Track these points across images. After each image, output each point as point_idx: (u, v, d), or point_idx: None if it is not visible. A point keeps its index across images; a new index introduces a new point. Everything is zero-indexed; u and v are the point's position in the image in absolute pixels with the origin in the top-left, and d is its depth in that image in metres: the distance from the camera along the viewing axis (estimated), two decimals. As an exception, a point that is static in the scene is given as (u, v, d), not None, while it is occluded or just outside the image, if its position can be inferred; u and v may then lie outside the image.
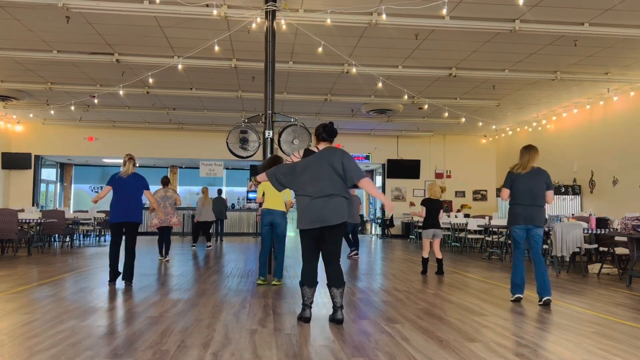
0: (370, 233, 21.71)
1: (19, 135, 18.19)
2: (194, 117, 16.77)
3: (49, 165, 20.61)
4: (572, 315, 5.04)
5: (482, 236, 12.42)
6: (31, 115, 16.70)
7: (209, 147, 18.41)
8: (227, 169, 21.00)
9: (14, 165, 17.97)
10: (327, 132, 4.75)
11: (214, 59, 10.64)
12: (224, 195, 18.39)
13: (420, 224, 8.61)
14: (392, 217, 19.48)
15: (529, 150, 5.84)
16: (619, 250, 8.18)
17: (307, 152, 4.80)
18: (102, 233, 16.42)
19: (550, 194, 5.76)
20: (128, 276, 6.75)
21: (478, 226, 11.96)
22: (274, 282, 6.86)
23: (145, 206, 15.08)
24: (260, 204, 6.99)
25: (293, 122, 8.49)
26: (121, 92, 12.08)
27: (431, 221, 8.28)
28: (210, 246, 13.09)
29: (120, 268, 6.84)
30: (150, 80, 11.35)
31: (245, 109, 15.37)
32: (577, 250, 8.30)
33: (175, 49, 10.27)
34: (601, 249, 8.66)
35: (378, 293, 6.33)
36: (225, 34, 9.12)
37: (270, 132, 8.10)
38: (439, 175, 20.02)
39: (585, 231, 8.35)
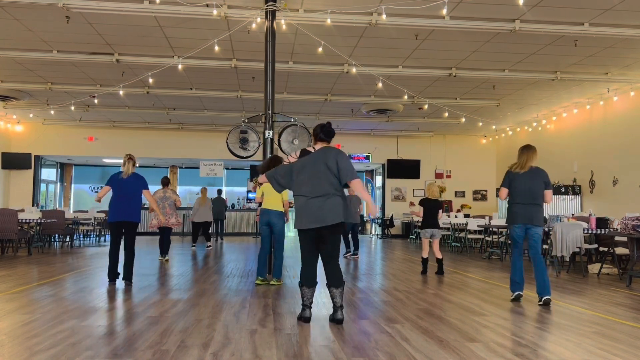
0: (370, 233, 21.71)
1: (19, 135, 18.20)
2: (194, 117, 16.77)
3: (49, 165, 20.61)
4: (572, 315, 5.04)
5: (482, 236, 12.42)
6: (31, 115, 16.71)
7: (209, 147, 18.41)
8: (227, 169, 21.01)
9: (14, 165, 17.97)
10: (324, 133, 4.75)
11: (214, 59, 10.64)
12: (224, 196, 18.39)
13: (420, 224, 8.61)
14: (392, 217, 19.49)
15: (527, 150, 5.86)
16: (619, 250, 8.18)
17: (304, 152, 4.81)
18: (102, 233, 16.42)
19: (548, 193, 5.77)
20: (128, 275, 6.76)
21: (478, 226, 11.96)
22: (272, 282, 6.87)
23: (145, 206, 15.11)
24: (260, 204, 7.01)
25: (293, 122, 8.49)
26: (121, 92, 12.08)
27: (429, 221, 8.28)
28: (210, 246, 13.08)
29: (120, 268, 6.86)
30: (150, 80, 11.35)
31: (245, 109, 15.37)
32: (577, 250, 8.30)
33: (175, 49, 10.28)
34: (601, 249, 8.66)
35: (378, 293, 6.33)
36: (225, 34, 9.12)
37: (270, 132, 8.10)
38: (439, 175, 20.02)
39: (585, 231, 8.35)
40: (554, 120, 15.75)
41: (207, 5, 8.07)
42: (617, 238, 8.26)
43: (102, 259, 9.96)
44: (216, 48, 9.16)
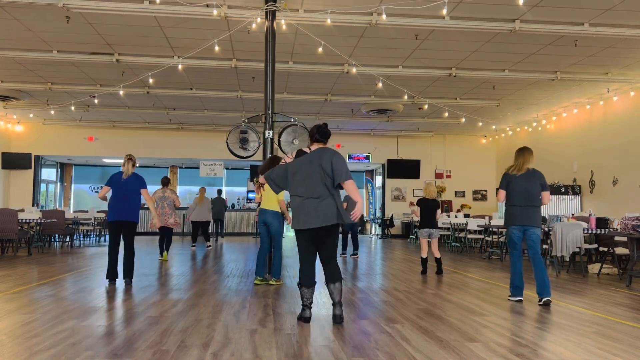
0: (370, 233, 21.71)
1: (19, 135, 18.20)
2: (194, 117, 16.77)
3: (49, 165, 20.61)
4: (572, 315, 5.04)
5: (482, 236, 12.42)
6: (31, 115, 16.71)
7: (209, 147, 18.42)
8: (227, 169, 21.01)
9: (14, 165, 17.97)
10: (320, 133, 4.76)
11: (214, 59, 10.64)
12: (223, 196, 18.40)
13: (418, 224, 8.61)
14: (392, 217, 19.49)
15: (523, 152, 5.91)
16: (619, 250, 8.18)
17: (300, 153, 4.81)
18: (102, 233, 16.42)
19: (546, 194, 5.81)
20: (128, 273, 6.79)
21: (478, 226, 11.96)
22: (271, 282, 6.88)
23: (145, 206, 15.11)
24: (259, 204, 7.04)
25: (293, 122, 8.49)
26: (121, 92, 12.08)
27: (427, 221, 8.28)
28: (209, 246, 13.09)
29: (120, 268, 6.87)
30: (150, 80, 11.35)
31: (245, 109, 15.37)
32: (577, 250, 8.30)
33: (175, 49, 10.28)
34: (601, 249, 8.66)
35: (378, 293, 6.33)
36: (225, 34, 9.12)
37: (270, 132, 8.10)
38: (439, 175, 20.02)
39: (585, 231, 8.35)
40: (554, 120, 15.75)
41: (207, 5, 8.07)
42: (617, 238, 8.26)
43: (102, 259, 9.97)
44: (216, 48, 9.16)
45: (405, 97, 12.90)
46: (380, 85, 11.35)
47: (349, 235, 11.53)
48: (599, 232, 8.23)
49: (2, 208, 13.13)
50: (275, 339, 3.99)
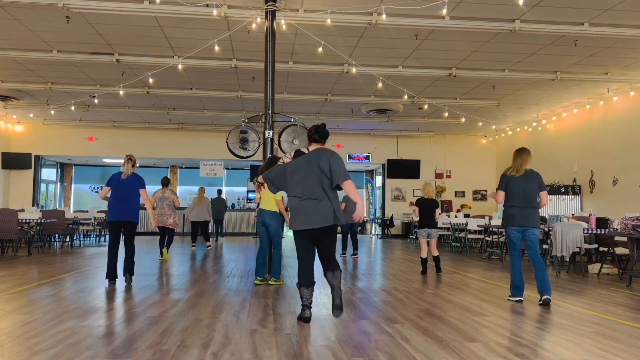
0: (370, 233, 21.71)
1: (19, 135, 18.20)
2: (194, 117, 16.77)
3: (49, 165, 20.61)
4: (572, 315, 5.04)
5: (482, 236, 12.42)
6: (31, 115, 16.71)
7: (209, 147, 18.41)
8: (227, 169, 21.00)
9: (14, 165, 17.97)
10: (318, 134, 4.76)
11: (214, 59, 10.64)
12: (223, 196, 18.39)
13: (417, 224, 8.61)
14: (392, 217, 19.49)
15: (521, 153, 5.94)
16: (619, 250, 8.18)
17: (298, 153, 4.81)
18: (102, 233, 16.42)
19: (544, 194, 5.84)
20: (129, 269, 6.84)
21: (478, 226, 11.96)
22: (270, 282, 6.89)
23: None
24: (259, 204, 7.05)
25: (293, 122, 8.50)
26: (121, 92, 12.08)
27: (426, 221, 8.28)
28: (209, 246, 13.10)
29: (120, 268, 6.88)
30: (150, 80, 11.35)
31: (245, 109, 15.37)
32: (577, 250, 8.30)
33: (175, 49, 10.28)
34: (601, 249, 8.66)
35: (378, 293, 6.33)
36: (225, 34, 9.12)
37: (270, 132, 8.10)
38: (439, 175, 20.02)
39: (585, 231, 8.35)
40: (554, 120, 15.75)
41: (207, 5, 8.07)
42: (617, 238, 8.26)
43: (102, 259, 9.97)
44: (216, 48, 9.16)
45: (405, 97, 12.90)
46: (380, 85, 11.35)
47: (349, 236, 11.53)
48: (599, 232, 8.23)
49: (2, 208, 13.13)
50: (275, 339, 3.99)
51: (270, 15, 8.18)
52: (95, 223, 15.36)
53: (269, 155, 7.89)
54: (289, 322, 4.63)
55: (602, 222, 8.36)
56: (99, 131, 18.51)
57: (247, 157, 8.84)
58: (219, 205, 15.45)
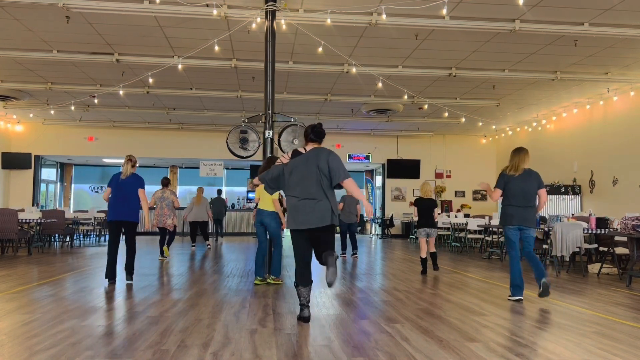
0: (370, 233, 21.71)
1: (19, 135, 18.20)
2: (194, 117, 16.77)
3: (49, 165, 20.62)
4: (572, 315, 5.04)
5: (482, 236, 12.42)
6: (31, 115, 16.71)
7: (209, 147, 18.41)
8: (227, 169, 21.01)
9: (14, 165, 17.97)
10: (314, 133, 4.77)
11: (214, 59, 10.64)
12: (223, 196, 18.39)
13: (416, 224, 8.62)
14: (392, 217, 19.49)
15: (519, 152, 5.97)
16: (619, 250, 8.18)
17: (296, 153, 4.81)
18: (102, 233, 16.42)
19: (543, 192, 5.90)
20: (129, 269, 6.89)
21: (478, 226, 11.97)
22: (269, 280, 6.90)
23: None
24: (257, 204, 7.07)
25: (293, 122, 8.50)
26: (121, 92, 12.08)
27: (424, 221, 8.29)
28: (209, 245, 13.15)
29: (120, 268, 6.88)
30: (150, 80, 11.35)
31: (245, 109, 15.37)
32: (577, 250, 8.30)
33: (175, 49, 10.28)
34: (601, 248, 8.66)
35: (378, 293, 6.33)
36: (225, 34, 9.12)
37: (270, 132, 8.10)
38: (439, 175, 20.02)
39: (585, 231, 8.35)
40: (554, 120, 15.75)
41: (207, 5, 8.07)
42: (617, 238, 8.26)
43: (102, 258, 9.97)
44: (216, 48, 9.16)
45: (405, 97, 12.90)
46: (380, 85, 11.35)
47: (347, 236, 11.53)
48: (599, 232, 8.23)
49: (2, 208, 13.12)
50: (275, 339, 3.99)
51: (270, 15, 8.18)
52: (95, 223, 15.36)
53: (268, 155, 7.90)
54: (289, 322, 4.63)
55: (602, 222, 8.36)
56: (99, 131, 18.51)
57: (247, 157, 8.84)
58: (219, 205, 15.45)
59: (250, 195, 20.22)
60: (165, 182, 10.66)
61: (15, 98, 13.82)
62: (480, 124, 16.53)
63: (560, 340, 4.06)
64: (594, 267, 8.63)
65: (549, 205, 14.18)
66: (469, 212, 16.56)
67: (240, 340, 3.94)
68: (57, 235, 12.99)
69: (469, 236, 12.90)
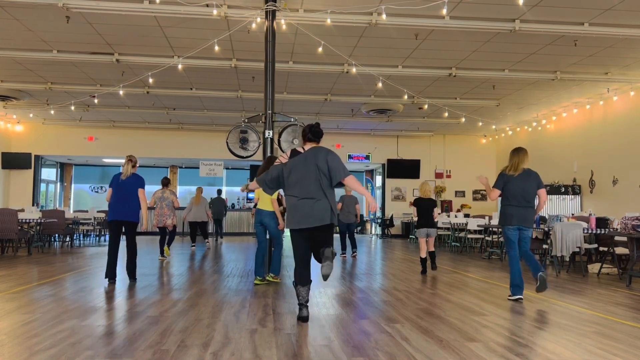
0: (370, 233, 21.71)
1: (19, 135, 18.20)
2: (194, 117, 16.77)
3: (49, 165, 20.62)
4: (572, 315, 5.04)
5: (482, 236, 12.42)
6: (31, 115, 16.71)
7: (209, 147, 18.41)
8: (227, 169, 21.01)
9: (14, 165, 17.97)
10: (312, 133, 4.77)
11: (214, 59, 10.64)
12: (223, 195, 18.39)
13: (416, 224, 8.63)
14: (392, 216, 19.49)
15: (518, 152, 5.99)
16: (619, 250, 8.18)
17: (294, 153, 4.82)
18: (102, 233, 16.42)
19: (543, 192, 5.92)
20: (131, 271, 6.90)
21: (478, 226, 11.97)
22: (268, 278, 6.90)
23: (147, 207, 15.14)
24: (256, 204, 7.08)
25: (293, 122, 8.50)
26: (121, 92, 12.08)
27: (423, 220, 8.29)
28: (208, 242, 13.19)
29: (120, 268, 6.89)
30: (150, 80, 11.35)
31: (245, 109, 15.37)
32: (577, 250, 8.30)
33: (175, 49, 10.28)
34: (601, 248, 8.66)
35: (378, 293, 6.33)
36: (225, 34, 9.12)
37: (270, 132, 8.10)
38: (438, 175, 20.02)
39: (585, 231, 8.35)
40: (554, 120, 15.75)
41: (207, 5, 8.07)
42: (617, 238, 8.26)
43: (102, 258, 9.97)
44: (216, 48, 9.16)
45: (405, 97, 12.90)
46: (380, 85, 11.35)
47: (347, 236, 11.54)
48: (599, 232, 8.23)
49: (2, 208, 13.12)
50: (275, 339, 4.00)
51: (270, 15, 8.18)
52: (95, 223, 15.36)
53: (268, 154, 7.90)
54: (289, 321, 4.63)
55: (602, 222, 8.36)
56: (99, 131, 18.51)
57: (247, 157, 8.84)
58: (219, 205, 15.45)
59: (250, 195, 20.22)
60: (165, 182, 10.66)
61: (15, 98, 13.82)
62: (480, 124, 16.53)
63: (560, 340, 4.06)
64: (594, 267, 8.63)
65: (549, 205, 14.18)
66: (468, 212, 16.56)
67: (240, 340, 3.94)
68: (57, 235, 12.99)
69: (469, 236, 12.90)
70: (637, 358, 3.61)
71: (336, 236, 12.20)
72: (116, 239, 6.90)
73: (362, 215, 20.08)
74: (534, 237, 9.48)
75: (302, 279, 4.65)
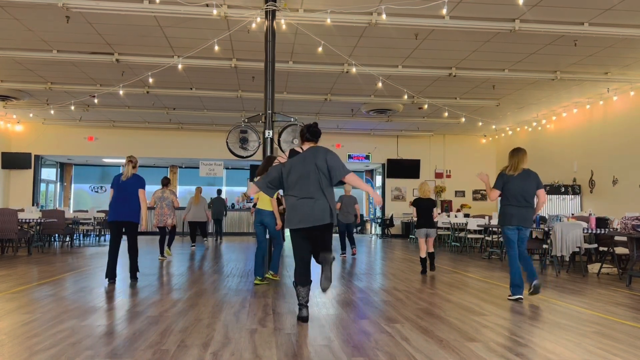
0: (370, 233, 21.71)
1: (19, 135, 18.20)
2: (194, 117, 16.77)
3: (49, 165, 20.62)
4: (572, 315, 5.04)
5: (482, 236, 12.42)
6: (31, 115, 16.71)
7: (209, 147, 18.42)
8: (227, 168, 21.01)
9: (14, 165, 17.98)
10: (310, 133, 4.78)
11: (214, 58, 10.64)
12: (223, 195, 18.39)
13: (416, 224, 8.63)
14: (392, 216, 19.49)
15: (517, 152, 6.03)
16: (619, 250, 8.18)
17: (293, 153, 4.82)
18: (102, 233, 16.42)
19: (542, 192, 5.96)
20: (133, 272, 6.93)
21: (478, 226, 11.97)
22: (267, 275, 6.90)
23: (148, 207, 15.14)
24: (255, 204, 7.08)
25: (293, 122, 8.50)
26: (121, 92, 12.08)
27: (423, 221, 8.29)
28: (206, 241, 13.20)
29: (120, 268, 6.89)
30: (150, 80, 11.35)
31: (245, 109, 15.37)
32: (577, 250, 8.30)
33: (175, 49, 10.28)
34: (601, 248, 8.66)
35: (378, 293, 6.33)
36: (225, 33, 9.12)
37: (270, 132, 8.10)
38: (438, 175, 20.02)
39: (585, 231, 8.35)
40: (554, 120, 15.75)
41: (207, 5, 8.07)
42: (616, 238, 8.26)
43: (102, 258, 9.97)
44: (216, 48, 9.16)
45: (405, 96, 12.90)
46: (380, 85, 11.35)
47: (346, 236, 11.54)
48: (598, 232, 8.23)
49: (2, 208, 13.12)
50: (275, 339, 4.00)
51: (270, 15, 8.18)
52: (95, 223, 15.36)
53: (268, 154, 7.90)
54: (289, 321, 4.63)
55: (601, 222, 8.36)
56: (99, 131, 18.51)
57: (247, 156, 8.85)
58: (219, 205, 15.44)
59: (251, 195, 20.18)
60: (165, 182, 10.67)
61: (15, 98, 13.82)
62: (480, 123, 16.53)
63: (560, 340, 4.06)
64: (593, 267, 8.63)
65: (549, 205, 14.18)
66: (468, 212, 16.56)
67: (240, 340, 3.94)
68: (57, 235, 12.99)
69: (469, 236, 12.90)
70: (637, 358, 3.62)
71: (335, 236, 12.21)
72: (117, 239, 6.90)
73: (362, 215, 20.08)
74: (533, 237, 9.49)
75: (303, 279, 4.65)
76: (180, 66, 10.52)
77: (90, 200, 21.66)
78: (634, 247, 7.17)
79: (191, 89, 13.30)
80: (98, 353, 3.54)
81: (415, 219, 8.58)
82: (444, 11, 7.83)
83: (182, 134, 18.75)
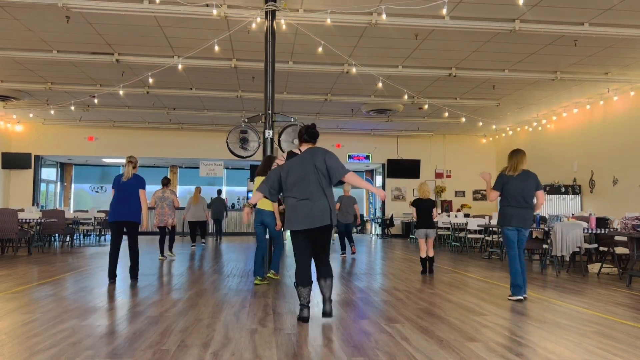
0: (370, 233, 21.71)
1: (19, 135, 18.20)
2: (194, 117, 16.77)
3: (49, 165, 20.62)
4: (572, 315, 5.04)
5: (482, 236, 12.42)
6: (31, 115, 16.71)
7: (209, 147, 18.42)
8: (227, 168, 21.01)
9: (14, 165, 17.98)
10: (308, 134, 4.78)
11: (214, 59, 10.64)
12: (223, 195, 18.40)
13: (415, 224, 8.63)
14: (392, 216, 19.49)
15: (516, 153, 6.05)
16: (619, 250, 8.18)
17: (291, 154, 4.83)
18: (102, 233, 16.42)
19: (541, 193, 5.97)
20: (133, 273, 6.93)
21: (478, 226, 11.96)
22: (268, 275, 6.91)
23: (148, 206, 15.14)
24: (255, 204, 7.07)
25: (293, 122, 8.50)
26: (121, 92, 12.08)
27: (422, 221, 8.29)
28: (204, 242, 13.21)
29: (121, 268, 6.89)
30: (150, 80, 11.35)
31: (245, 109, 15.37)
32: (577, 250, 8.30)
33: (175, 49, 10.28)
34: (601, 248, 8.66)
35: (378, 293, 6.33)
36: (225, 34, 9.12)
37: (270, 132, 8.10)
38: (439, 175, 20.02)
39: (585, 231, 8.35)
40: (554, 120, 15.75)
41: (207, 5, 8.07)
42: (617, 238, 8.26)
43: (102, 258, 9.97)
44: (216, 48, 9.16)
45: (405, 97, 12.90)
46: (380, 85, 11.35)
47: (345, 236, 11.54)
48: (599, 231, 8.23)
49: (2, 208, 13.12)
50: (275, 339, 4.00)
51: (270, 15, 8.18)
52: (95, 223, 15.36)
53: (267, 154, 7.90)
54: (289, 321, 4.63)
55: (602, 222, 8.36)
56: (99, 131, 18.51)
57: (247, 157, 8.85)
58: (219, 205, 15.44)
59: (250, 195, 20.20)
60: (166, 182, 10.67)
61: (15, 98, 13.83)
62: (480, 124, 16.53)
63: (560, 340, 4.06)
64: (594, 267, 8.63)
65: (549, 205, 14.18)
66: (469, 212, 16.56)
67: (240, 340, 3.94)
68: (57, 235, 12.99)
69: (469, 236, 12.90)
70: (637, 358, 3.62)
71: (335, 236, 12.21)
72: (117, 239, 6.90)
73: (362, 215, 20.08)
74: (534, 237, 9.49)
75: (303, 279, 4.65)
76: (180, 66, 10.52)
77: (90, 200, 21.67)
78: (634, 247, 7.17)
79: (191, 89, 13.30)
80: (98, 353, 3.54)
81: (415, 219, 8.58)
82: (444, 11, 7.83)
83: (182, 134, 18.75)
